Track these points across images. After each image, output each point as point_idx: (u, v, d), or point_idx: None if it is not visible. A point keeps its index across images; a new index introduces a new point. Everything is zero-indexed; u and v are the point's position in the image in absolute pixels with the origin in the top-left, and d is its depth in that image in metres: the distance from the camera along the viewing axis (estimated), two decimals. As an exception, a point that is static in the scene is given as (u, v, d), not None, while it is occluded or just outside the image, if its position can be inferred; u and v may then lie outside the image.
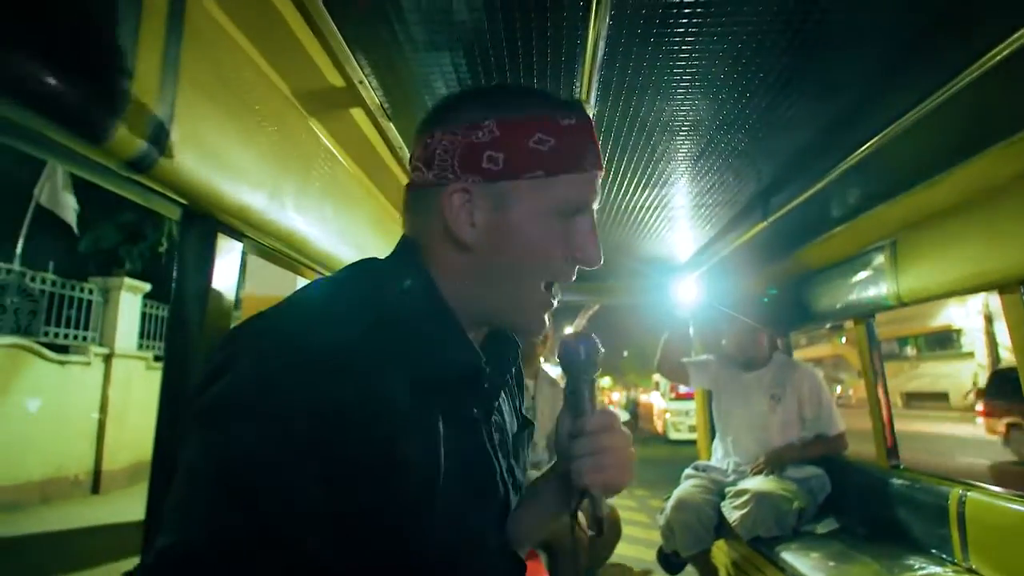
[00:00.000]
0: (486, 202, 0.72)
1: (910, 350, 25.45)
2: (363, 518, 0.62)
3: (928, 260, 2.08)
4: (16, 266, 7.06)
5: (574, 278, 0.77)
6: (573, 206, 0.74)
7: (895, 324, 23.12)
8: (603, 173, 0.80)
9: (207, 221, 1.01)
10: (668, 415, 16.25)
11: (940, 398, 19.80)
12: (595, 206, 0.77)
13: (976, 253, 1.84)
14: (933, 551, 2.16)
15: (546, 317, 0.79)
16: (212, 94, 0.92)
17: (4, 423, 6.03)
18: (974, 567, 1.96)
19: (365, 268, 0.77)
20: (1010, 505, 1.84)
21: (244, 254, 1.14)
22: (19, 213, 7.77)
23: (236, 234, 1.09)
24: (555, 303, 0.79)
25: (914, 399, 22.10)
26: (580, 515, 0.84)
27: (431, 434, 0.69)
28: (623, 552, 4.42)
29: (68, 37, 0.65)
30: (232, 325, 1.07)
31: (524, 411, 1.02)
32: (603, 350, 0.81)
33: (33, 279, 7.00)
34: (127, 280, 8.14)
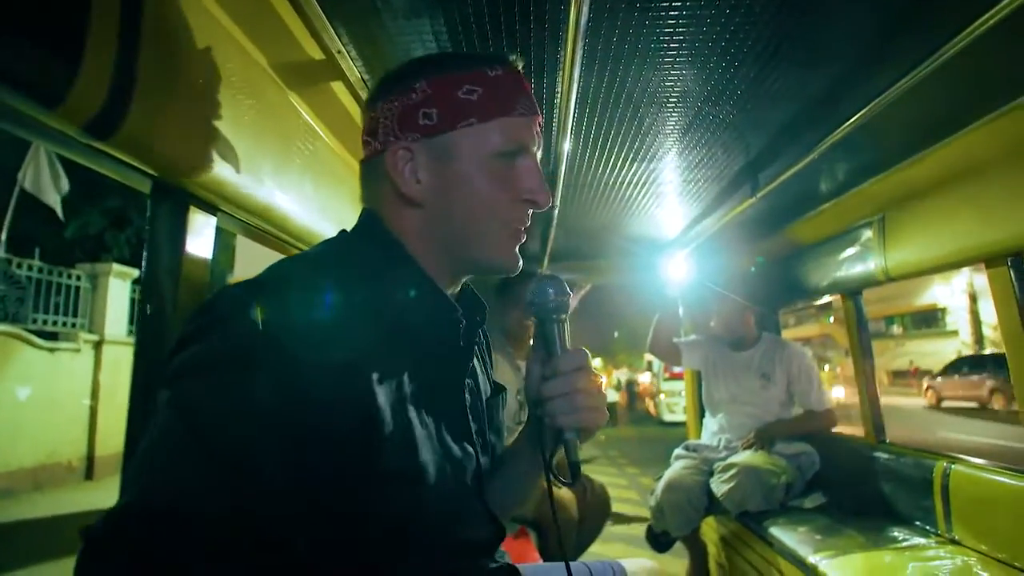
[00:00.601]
0: (427, 157, 0.77)
1: (896, 329, 25.79)
2: (333, 484, 0.61)
3: (916, 235, 2.07)
4: (1, 252, 6.95)
5: (527, 221, 0.80)
6: (510, 148, 0.77)
7: (881, 303, 23.38)
8: (540, 119, 0.82)
9: (178, 193, 0.97)
10: (663, 396, 16.29)
11: (924, 376, 20.06)
12: (537, 151, 0.81)
13: (963, 227, 1.82)
14: (917, 523, 2.18)
15: (517, 251, 0.81)
16: (181, 62, 0.88)
17: (-5, 410, 5.99)
18: (957, 538, 1.97)
19: (335, 241, 0.81)
20: (993, 477, 1.85)
21: (219, 229, 1.10)
22: (3, 199, 7.63)
23: (209, 208, 1.05)
24: (523, 237, 0.81)
25: (899, 377, 22.41)
26: (557, 468, 0.84)
27: (403, 397, 0.70)
28: (612, 530, 4.46)
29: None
30: (204, 297, 1.04)
31: (505, 389, 1.02)
32: (571, 292, 0.81)
33: (19, 266, 6.90)
34: (115, 266, 8.05)
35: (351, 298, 0.68)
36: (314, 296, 0.65)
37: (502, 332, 2.50)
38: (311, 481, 0.59)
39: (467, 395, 0.84)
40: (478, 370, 0.92)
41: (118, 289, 8.08)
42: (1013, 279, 1.71)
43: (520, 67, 0.81)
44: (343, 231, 0.83)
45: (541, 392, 0.78)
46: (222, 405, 0.57)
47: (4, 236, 7.43)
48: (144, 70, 0.77)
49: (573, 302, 3.38)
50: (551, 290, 0.80)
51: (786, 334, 3.55)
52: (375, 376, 0.66)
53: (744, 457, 2.67)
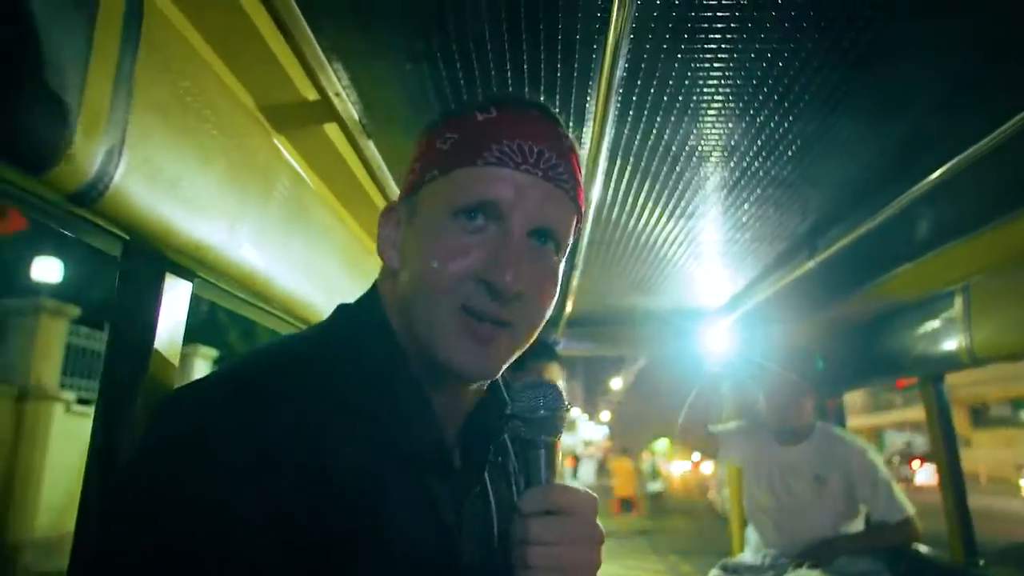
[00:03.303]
0: (403, 217, 0.80)
1: None
2: None
3: (1009, 308, 2.10)
4: None
5: (492, 310, 0.72)
6: (466, 206, 0.72)
7: (1008, 382, 22.73)
8: (530, 170, 0.73)
9: (154, 259, 1.03)
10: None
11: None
12: (531, 219, 0.74)
13: None
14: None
15: (487, 350, 0.74)
16: (168, 113, 0.95)
17: None
18: None
19: (328, 329, 0.83)
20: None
21: (195, 296, 1.16)
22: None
23: (186, 273, 1.11)
24: (511, 338, 0.76)
25: None
26: None
27: (377, 528, 0.68)
28: None
29: (7, 50, 0.68)
30: (176, 376, 1.08)
31: None
32: (568, 405, 0.75)
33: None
34: (49, 301, 7.91)
35: (339, 410, 0.69)
36: (299, 405, 0.67)
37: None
38: None
39: (474, 523, 0.81)
40: (491, 493, 0.86)
41: (51, 331, 7.98)
42: None
43: (534, 105, 0.80)
44: (341, 307, 0.85)
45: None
46: (178, 521, 0.60)
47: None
48: (133, 130, 0.84)
49: (628, 377, 3.38)
50: (541, 400, 0.73)
51: (893, 416, 3.49)
52: (361, 501, 0.67)
53: None
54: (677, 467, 22.77)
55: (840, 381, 3.26)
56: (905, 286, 2.52)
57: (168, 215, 0.98)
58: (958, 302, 2.31)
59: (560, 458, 0.75)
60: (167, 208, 0.98)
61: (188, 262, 1.09)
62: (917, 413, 26.27)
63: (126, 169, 0.83)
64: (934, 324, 2.46)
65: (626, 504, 16.39)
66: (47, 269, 9.50)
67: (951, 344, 2.34)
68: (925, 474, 21.56)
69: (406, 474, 0.72)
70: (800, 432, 2.95)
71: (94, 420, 1.00)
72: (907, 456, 22.92)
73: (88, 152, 0.75)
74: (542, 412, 0.73)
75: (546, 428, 0.73)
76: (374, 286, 0.84)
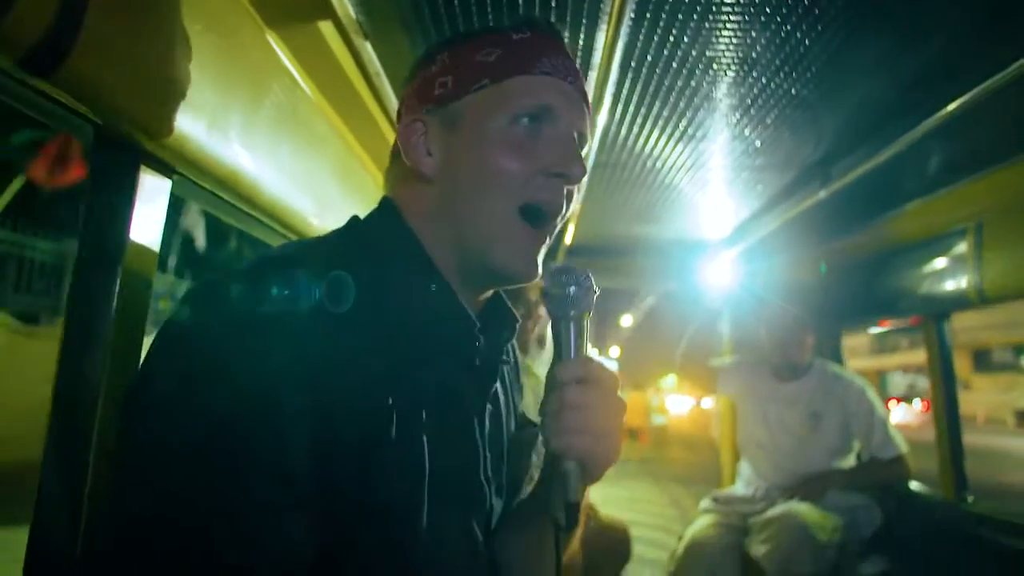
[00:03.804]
0: (439, 127, 0.82)
1: None
2: (325, 509, 0.65)
3: (1021, 248, 2.06)
4: None
5: (559, 201, 0.81)
6: (529, 110, 0.79)
7: (1009, 328, 23.13)
8: (581, 83, 0.84)
9: (127, 148, 0.96)
10: None
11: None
12: (575, 127, 0.82)
13: None
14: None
15: (536, 255, 0.82)
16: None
17: None
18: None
19: (345, 233, 0.85)
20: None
21: (174, 196, 1.09)
22: None
23: (165, 168, 1.04)
24: (548, 239, 0.84)
25: None
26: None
27: (413, 419, 0.72)
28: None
29: None
30: (153, 284, 1.03)
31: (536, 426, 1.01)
32: (597, 290, 0.80)
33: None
34: None
35: (361, 303, 0.71)
36: (323, 297, 0.68)
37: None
38: (309, 504, 0.63)
39: (486, 422, 0.86)
40: (502, 397, 0.94)
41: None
42: None
43: (558, 33, 0.86)
44: (354, 218, 0.86)
45: (542, 405, 0.77)
46: (198, 443, 0.60)
47: None
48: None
49: (639, 315, 3.36)
50: (570, 279, 0.79)
51: (897, 359, 3.47)
52: (383, 394, 0.70)
53: (785, 510, 2.66)
54: (681, 403, 23.21)
55: (843, 318, 3.24)
56: (914, 223, 2.48)
57: (143, 99, 0.91)
58: (968, 240, 2.26)
59: (588, 335, 0.80)
60: (142, 91, 0.91)
61: (166, 155, 1.02)
62: (921, 357, 26.84)
63: (89, 37, 0.75)
64: (942, 262, 2.41)
65: (633, 433, 17.55)
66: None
67: (959, 283, 2.31)
68: (900, 413, 22.22)
69: (438, 370, 0.77)
70: (799, 368, 2.96)
71: (62, 338, 0.94)
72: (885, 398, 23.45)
73: (37, 10, 0.68)
74: (572, 289, 0.78)
75: (577, 305, 0.78)
76: (386, 203, 0.87)
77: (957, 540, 2.43)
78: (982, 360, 26.09)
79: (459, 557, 0.79)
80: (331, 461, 0.64)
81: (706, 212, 2.72)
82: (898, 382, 26.93)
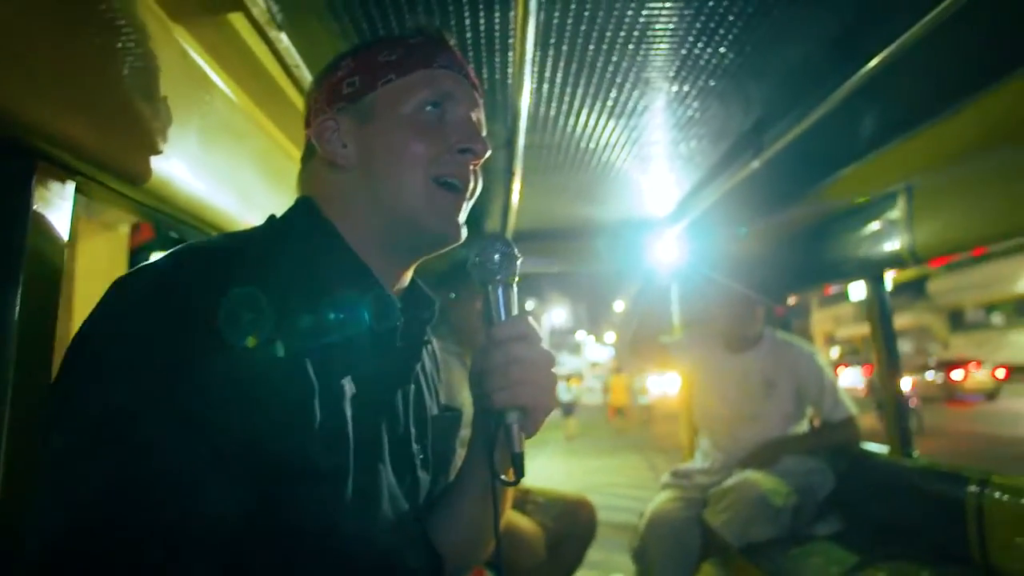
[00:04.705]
0: (351, 122, 0.91)
1: (997, 319, 26.70)
2: (258, 484, 0.69)
3: (949, 207, 2.12)
4: None
5: (467, 173, 0.91)
6: (433, 98, 0.90)
7: (981, 289, 24.36)
8: (472, 78, 0.97)
9: (19, 153, 0.92)
10: None
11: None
12: (472, 112, 0.94)
13: (1002, 197, 1.88)
14: (950, 551, 2.25)
15: (457, 217, 0.91)
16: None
17: None
18: (994, 567, 2.05)
19: (262, 227, 0.91)
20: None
21: (78, 200, 1.05)
22: None
23: (66, 170, 1.01)
24: (465, 206, 0.93)
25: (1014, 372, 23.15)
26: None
27: (337, 396, 0.78)
28: (599, 559, 4.24)
29: None
30: (59, 298, 0.99)
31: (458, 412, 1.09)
32: (520, 256, 0.88)
33: None
34: None
35: (284, 282, 0.76)
36: (246, 275, 0.73)
37: (451, 331, 2.50)
38: (242, 480, 0.68)
39: (410, 401, 0.94)
40: (423, 380, 1.02)
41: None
42: None
43: (444, 38, 0.95)
44: (272, 217, 0.93)
45: (477, 367, 0.86)
46: (151, 404, 0.65)
47: None
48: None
49: (623, 305, 3.37)
50: (494, 248, 0.86)
51: None
52: (309, 370, 0.75)
53: (740, 479, 2.71)
54: (665, 383, 23.71)
55: (788, 286, 3.31)
56: (850, 188, 2.53)
57: (31, 99, 0.88)
58: (900, 202, 2.32)
59: (515, 298, 0.89)
60: (30, 92, 0.87)
61: (66, 157, 0.98)
62: (903, 321, 28.18)
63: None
64: (877, 225, 2.48)
65: (620, 412, 20.09)
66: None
67: (894, 244, 2.37)
68: (849, 377, 23.54)
69: (360, 349, 0.82)
70: (751, 339, 3.03)
71: None
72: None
73: None
74: (497, 256, 0.86)
75: (503, 270, 0.86)
76: (303, 198, 0.94)
77: (904, 493, 2.51)
78: (957, 320, 28.49)
79: (386, 521, 0.84)
80: (257, 428, 0.68)
81: (648, 189, 2.74)
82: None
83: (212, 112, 1.42)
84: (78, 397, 0.67)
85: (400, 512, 0.87)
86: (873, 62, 1.54)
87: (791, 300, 3.53)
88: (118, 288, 0.74)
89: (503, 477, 0.90)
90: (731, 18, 1.46)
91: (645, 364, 3.44)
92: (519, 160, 2.08)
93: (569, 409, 18.05)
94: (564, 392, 19.78)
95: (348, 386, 0.80)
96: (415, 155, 0.88)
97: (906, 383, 12.59)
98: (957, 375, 20.07)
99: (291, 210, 0.94)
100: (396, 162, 0.88)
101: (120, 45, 1.07)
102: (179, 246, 0.79)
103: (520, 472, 0.85)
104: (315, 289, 0.80)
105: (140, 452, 0.64)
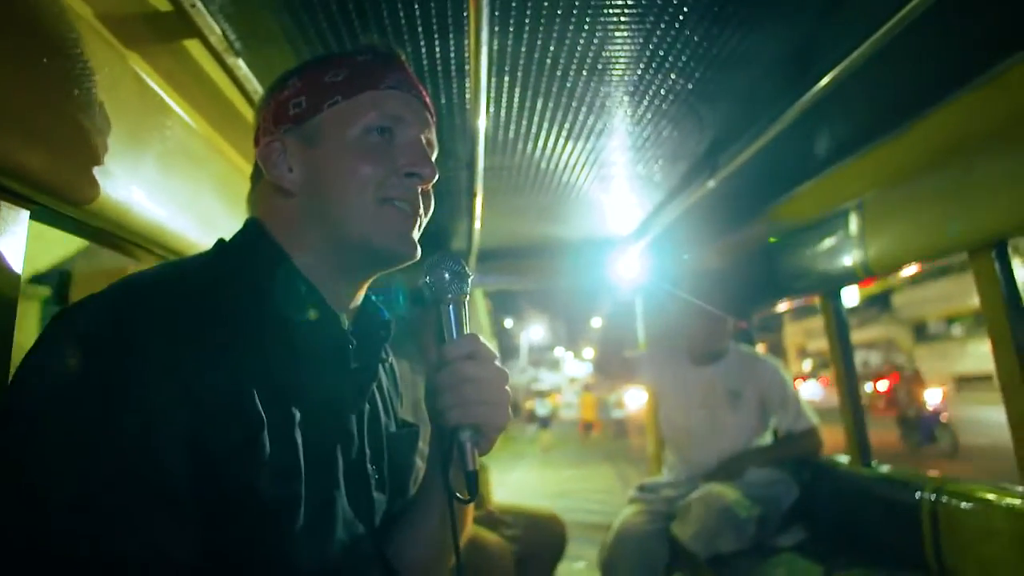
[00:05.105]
0: (298, 144, 0.89)
1: (957, 330, 27.40)
2: (210, 510, 0.69)
3: (898, 223, 2.19)
4: None
5: (414, 197, 0.89)
6: (380, 122, 0.88)
7: (942, 302, 25.00)
8: (425, 97, 0.95)
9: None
10: None
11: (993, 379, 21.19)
12: (423, 133, 0.92)
13: (946, 214, 1.95)
14: (906, 557, 2.30)
15: (411, 234, 0.90)
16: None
17: None
18: (949, 571, 2.10)
19: (210, 252, 0.90)
20: (988, 498, 1.96)
21: (33, 228, 1.06)
22: None
23: (19, 199, 1.02)
24: (419, 222, 0.91)
25: (966, 382, 23.69)
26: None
27: (289, 420, 0.77)
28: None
29: None
30: (12, 327, 1.00)
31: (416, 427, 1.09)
32: (471, 274, 0.88)
33: None
34: None
35: (231, 311, 0.76)
36: (191, 308, 0.73)
37: (419, 349, 2.51)
38: (191, 518, 0.67)
39: (364, 421, 0.93)
40: (379, 398, 1.01)
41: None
42: (997, 269, 1.83)
43: (396, 55, 0.94)
44: (220, 241, 0.91)
45: (430, 385, 0.85)
46: (92, 444, 0.64)
47: None
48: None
49: (600, 321, 3.39)
50: (444, 266, 0.86)
51: (853, 337, 3.52)
52: (258, 396, 0.73)
53: (706, 490, 2.75)
54: (639, 397, 24.02)
55: (749, 303, 3.37)
56: (804, 205, 2.60)
57: None
58: (853, 219, 2.38)
59: (467, 316, 0.89)
60: None
61: (18, 186, 0.99)
62: (871, 334, 28.82)
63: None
64: (832, 242, 2.54)
65: (587, 427, 20.76)
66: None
67: (848, 260, 2.43)
68: (808, 390, 24.00)
69: (312, 374, 0.82)
70: (717, 352, 3.06)
71: None
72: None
73: None
74: (447, 275, 0.86)
75: (453, 288, 0.86)
76: (252, 220, 0.92)
77: (865, 502, 2.56)
78: (921, 332, 29.38)
79: (340, 545, 0.83)
80: (205, 464, 0.67)
81: (610, 208, 2.79)
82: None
83: (170, 138, 1.44)
84: (12, 439, 0.65)
85: (355, 535, 0.86)
86: (821, 83, 1.60)
87: (757, 315, 3.58)
88: (58, 323, 0.72)
89: (458, 495, 0.88)
90: (679, 46, 1.51)
91: (611, 380, 3.47)
92: (480, 181, 2.11)
93: (545, 423, 18.20)
94: (541, 407, 19.96)
95: (299, 413, 0.79)
96: (361, 179, 0.86)
97: (936, 395, 12.75)
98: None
99: (239, 233, 0.92)
100: (343, 187, 0.87)
101: (76, 74, 1.08)
102: (123, 277, 0.78)
103: (474, 490, 0.84)
104: (263, 315, 0.80)
105: (82, 492, 0.62)
